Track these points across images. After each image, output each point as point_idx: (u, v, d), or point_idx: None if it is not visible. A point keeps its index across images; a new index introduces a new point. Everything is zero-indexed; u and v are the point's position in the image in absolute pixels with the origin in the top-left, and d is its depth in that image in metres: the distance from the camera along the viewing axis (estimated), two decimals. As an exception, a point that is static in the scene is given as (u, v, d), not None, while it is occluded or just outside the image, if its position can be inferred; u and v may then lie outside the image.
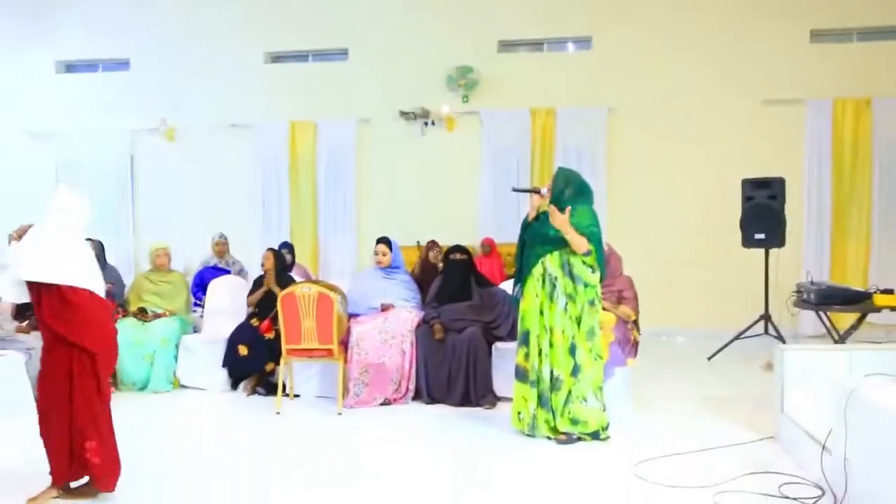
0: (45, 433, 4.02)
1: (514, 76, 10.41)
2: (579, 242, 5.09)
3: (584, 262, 5.15)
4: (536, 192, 5.35)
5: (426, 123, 10.52)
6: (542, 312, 5.22)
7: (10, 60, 11.53)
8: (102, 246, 7.74)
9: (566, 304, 5.16)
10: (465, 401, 6.20)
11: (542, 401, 5.22)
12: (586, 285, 5.15)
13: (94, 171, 11.24)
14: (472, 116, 10.48)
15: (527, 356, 5.27)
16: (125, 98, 11.25)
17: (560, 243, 5.16)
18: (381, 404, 6.31)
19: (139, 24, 11.24)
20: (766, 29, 9.92)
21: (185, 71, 11.11)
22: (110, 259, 7.97)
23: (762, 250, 8.23)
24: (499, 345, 6.36)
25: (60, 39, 11.48)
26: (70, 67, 11.71)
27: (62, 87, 11.51)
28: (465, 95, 10.42)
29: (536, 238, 5.27)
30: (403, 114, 10.47)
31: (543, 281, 5.22)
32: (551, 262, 5.20)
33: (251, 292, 7.24)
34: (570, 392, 5.15)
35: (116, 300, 7.40)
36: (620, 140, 10.16)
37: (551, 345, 5.18)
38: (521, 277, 5.38)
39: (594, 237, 5.16)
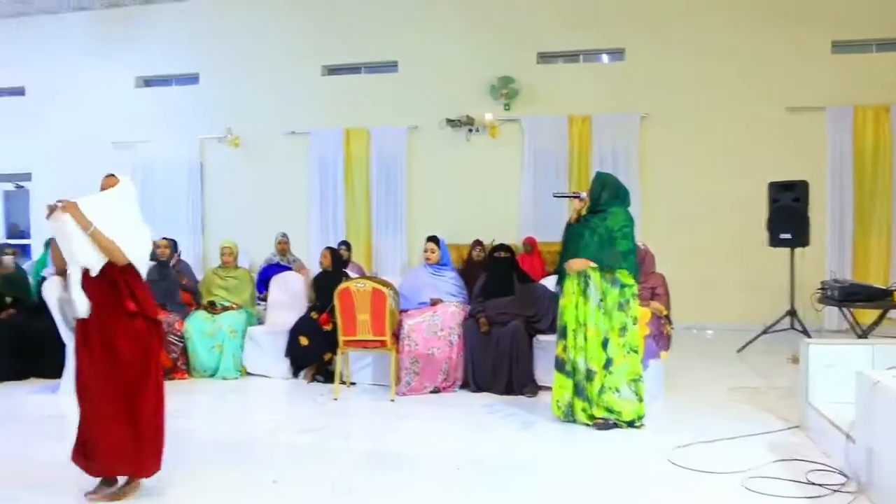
0: (138, 422, 3.78)
1: (552, 85, 10.38)
2: (610, 262, 5.09)
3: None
4: (576, 196, 5.35)
5: (471, 130, 10.53)
6: (577, 308, 5.21)
7: (96, 77, 11.78)
8: (176, 243, 7.86)
9: (599, 301, 5.13)
10: (509, 389, 6.21)
11: (577, 390, 5.21)
12: (623, 286, 5.12)
13: (167, 176, 11.45)
14: (514, 123, 10.47)
15: (565, 348, 5.26)
16: (195, 109, 11.44)
17: (591, 246, 5.14)
18: (431, 392, 6.34)
19: (208, 42, 11.41)
20: (789, 40, 9.76)
21: (249, 84, 11.25)
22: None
23: (788, 249, 8.11)
24: (540, 337, 6.34)
25: (139, 57, 11.71)
26: (147, 82, 11.94)
27: (140, 100, 11.74)
28: (507, 104, 10.41)
29: (573, 240, 5.26)
30: (450, 121, 10.50)
31: (579, 279, 5.21)
32: None
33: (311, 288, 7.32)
34: (602, 384, 5.13)
35: (193, 293, 7.52)
36: (653, 145, 10.08)
37: (585, 338, 5.16)
38: (561, 275, 5.37)
39: (627, 238, 5.14)
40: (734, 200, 9.78)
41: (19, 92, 12.33)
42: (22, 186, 12.36)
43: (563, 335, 5.27)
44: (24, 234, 12.34)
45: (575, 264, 5.15)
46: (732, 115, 9.90)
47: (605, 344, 5.12)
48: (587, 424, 5.17)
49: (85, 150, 11.60)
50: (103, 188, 3.91)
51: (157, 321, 3.96)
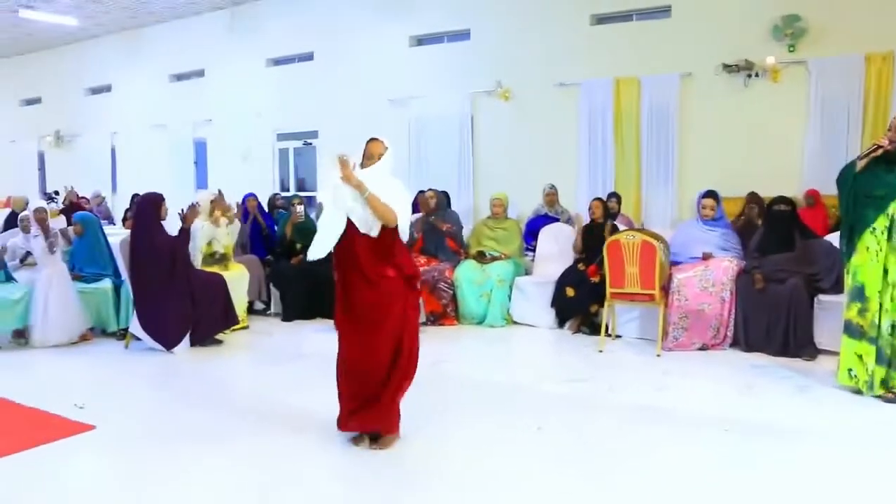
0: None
1: (847, 21, 9.45)
2: None
3: None
4: (877, 148, 4.83)
5: (749, 75, 9.93)
6: (885, 266, 4.78)
7: (373, 38, 12.59)
8: (448, 195, 8.28)
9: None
10: (784, 351, 5.95)
11: (879, 357, 4.80)
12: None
13: (439, 130, 11.99)
14: (799, 66, 9.71)
15: (860, 312, 4.86)
16: (466, 65, 11.83)
17: None
18: (699, 349, 6.25)
19: (479, -1, 11.74)
20: None
21: (518, 37, 11.42)
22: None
23: None
24: (822, 297, 5.99)
25: (413, 17, 12.32)
26: (420, 41, 12.54)
27: (414, 58, 12.37)
28: (792, 45, 9.68)
29: (878, 190, 4.79)
30: (726, 67, 9.98)
31: (890, 234, 4.78)
32: None
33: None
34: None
35: (455, 238, 7.91)
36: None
37: (892, 299, 4.75)
38: (851, 230, 4.95)
39: None
40: None
41: (309, 57, 13.52)
42: (310, 143, 13.57)
43: (860, 297, 4.87)
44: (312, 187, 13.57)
45: None
46: None
47: None
48: (877, 396, 4.79)
49: (364, 107, 12.44)
50: (369, 152, 4.06)
51: (415, 283, 4.13)
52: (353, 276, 4.01)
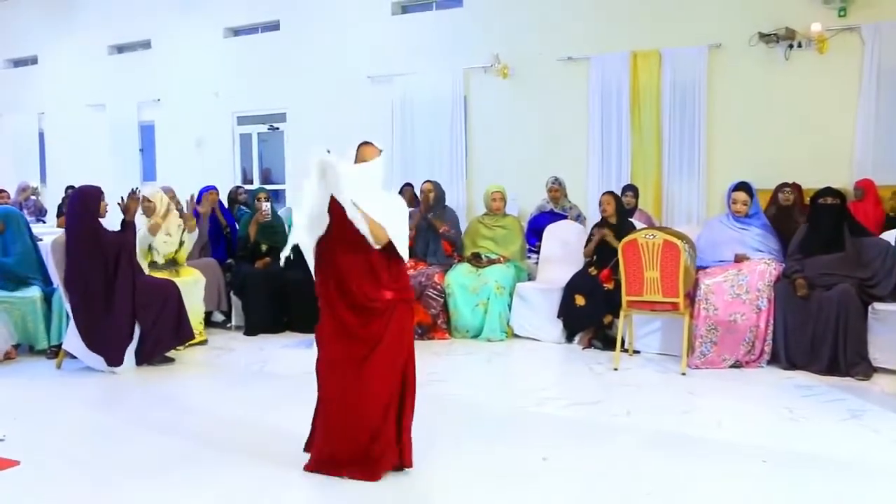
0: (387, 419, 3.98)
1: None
2: None
3: None
4: None
5: (791, 46, 9.94)
6: None
7: (350, 4, 12.55)
8: (441, 188, 8.26)
9: None
10: (833, 369, 5.96)
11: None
12: None
13: (427, 111, 11.96)
14: (851, 34, 9.70)
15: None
16: (458, 36, 11.80)
17: None
18: (731, 366, 6.25)
19: (473, -42, 11.71)
20: None
21: (519, 4, 11.39)
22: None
23: None
24: (877, 305, 5.99)
25: (396, -21, 12.33)
26: (405, 8, 12.52)
27: (397, 28, 12.34)
28: (843, 8, 9.67)
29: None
30: (763, 36, 9.99)
31: None
32: None
33: (588, 241, 7.38)
34: None
35: (454, 243, 7.89)
36: None
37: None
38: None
39: None
40: None
41: (274, 27, 13.49)
42: (276, 128, 13.53)
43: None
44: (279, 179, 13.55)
45: None
46: None
47: None
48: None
49: (339, 86, 12.45)
50: (362, 157, 4.06)
51: (412, 305, 4.16)
52: (339, 303, 3.96)
